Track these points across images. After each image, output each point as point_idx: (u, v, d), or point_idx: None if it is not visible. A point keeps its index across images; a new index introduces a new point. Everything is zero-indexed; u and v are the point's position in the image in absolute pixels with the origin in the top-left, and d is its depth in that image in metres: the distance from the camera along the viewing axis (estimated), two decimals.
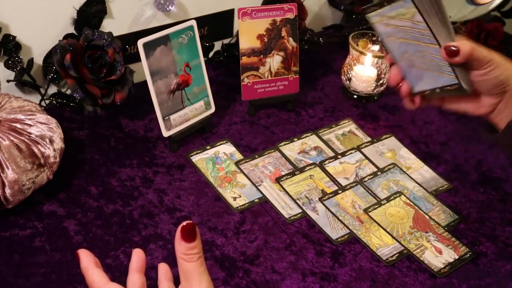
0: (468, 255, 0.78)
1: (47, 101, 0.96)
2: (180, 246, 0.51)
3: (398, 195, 0.86)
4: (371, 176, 0.89)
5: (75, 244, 0.74)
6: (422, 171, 0.92)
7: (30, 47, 0.91)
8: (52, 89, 0.97)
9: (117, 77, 0.90)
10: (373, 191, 0.87)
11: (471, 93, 0.70)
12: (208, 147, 0.92)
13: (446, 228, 0.82)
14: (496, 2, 1.13)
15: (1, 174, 0.71)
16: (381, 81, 1.04)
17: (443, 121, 1.03)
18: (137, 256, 0.61)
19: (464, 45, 0.68)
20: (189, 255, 0.51)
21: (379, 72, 1.04)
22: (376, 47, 1.06)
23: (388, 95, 1.09)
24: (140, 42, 0.82)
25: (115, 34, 0.93)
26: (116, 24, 0.97)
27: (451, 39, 0.68)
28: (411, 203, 0.85)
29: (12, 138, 0.73)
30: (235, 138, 0.95)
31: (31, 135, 0.75)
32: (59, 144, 0.77)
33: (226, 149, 0.92)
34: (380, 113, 1.04)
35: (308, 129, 0.98)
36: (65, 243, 0.74)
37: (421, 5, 0.66)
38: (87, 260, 0.57)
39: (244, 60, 0.96)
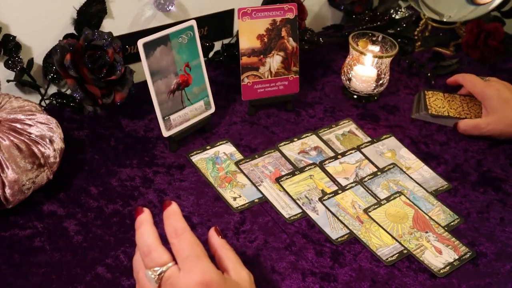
0: (468, 255, 0.78)
1: (47, 101, 0.96)
2: (221, 241, 0.62)
3: (398, 195, 0.86)
4: (371, 176, 0.89)
5: (75, 244, 0.74)
6: (422, 171, 0.92)
7: (30, 47, 0.91)
8: (52, 89, 0.97)
9: (117, 77, 0.90)
10: (373, 191, 0.87)
11: None
12: (208, 147, 0.92)
13: (446, 228, 0.82)
14: (496, 2, 1.13)
15: (1, 174, 0.71)
16: (381, 81, 1.04)
17: None
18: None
19: (459, 125, 1.00)
20: (227, 245, 0.62)
21: (379, 72, 1.04)
22: (376, 47, 1.06)
23: (388, 95, 1.09)
24: (140, 42, 0.82)
25: (115, 34, 0.93)
26: (116, 24, 0.97)
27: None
28: (411, 203, 0.85)
29: (12, 138, 0.73)
30: (235, 138, 0.95)
31: (31, 135, 0.75)
32: (59, 144, 0.77)
33: (226, 149, 0.92)
34: (380, 113, 1.04)
35: (308, 129, 0.98)
36: (65, 243, 0.74)
37: None
38: (148, 215, 0.59)
39: (244, 60, 0.96)
